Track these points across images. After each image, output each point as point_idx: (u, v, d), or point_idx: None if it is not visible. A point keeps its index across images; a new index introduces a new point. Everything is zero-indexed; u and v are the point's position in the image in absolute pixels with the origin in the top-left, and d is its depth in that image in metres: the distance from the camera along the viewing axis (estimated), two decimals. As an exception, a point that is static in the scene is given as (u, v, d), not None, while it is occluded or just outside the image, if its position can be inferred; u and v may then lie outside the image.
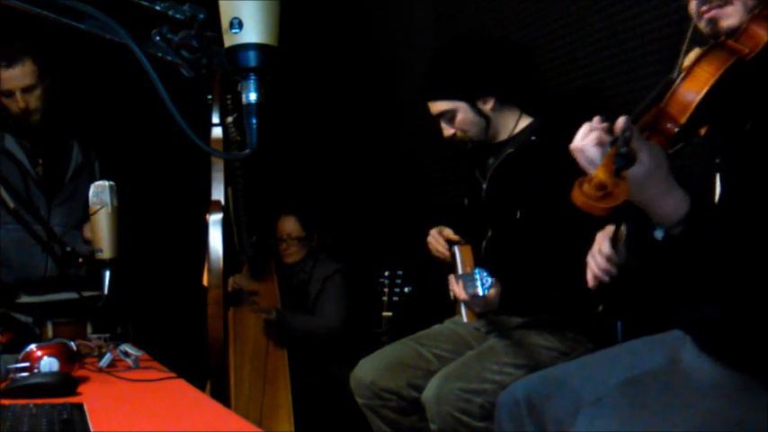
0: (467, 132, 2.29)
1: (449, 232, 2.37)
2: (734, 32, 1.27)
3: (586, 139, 1.18)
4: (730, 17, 1.30)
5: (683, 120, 1.21)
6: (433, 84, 2.31)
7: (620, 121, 1.13)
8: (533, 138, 2.23)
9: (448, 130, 2.31)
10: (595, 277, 1.54)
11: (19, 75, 2.55)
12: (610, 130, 1.17)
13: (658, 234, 1.20)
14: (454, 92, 2.26)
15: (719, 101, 1.23)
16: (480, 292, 2.02)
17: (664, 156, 1.17)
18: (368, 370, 2.28)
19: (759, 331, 1.21)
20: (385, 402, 2.25)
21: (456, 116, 2.27)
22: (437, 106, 2.29)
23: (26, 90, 2.57)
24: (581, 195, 1.09)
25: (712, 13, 1.31)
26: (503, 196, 2.27)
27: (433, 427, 2.03)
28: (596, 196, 1.08)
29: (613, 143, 1.12)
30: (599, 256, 1.54)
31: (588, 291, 1.59)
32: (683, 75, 1.22)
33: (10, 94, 2.56)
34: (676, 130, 1.21)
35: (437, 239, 2.36)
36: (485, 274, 2.03)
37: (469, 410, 1.97)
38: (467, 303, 2.16)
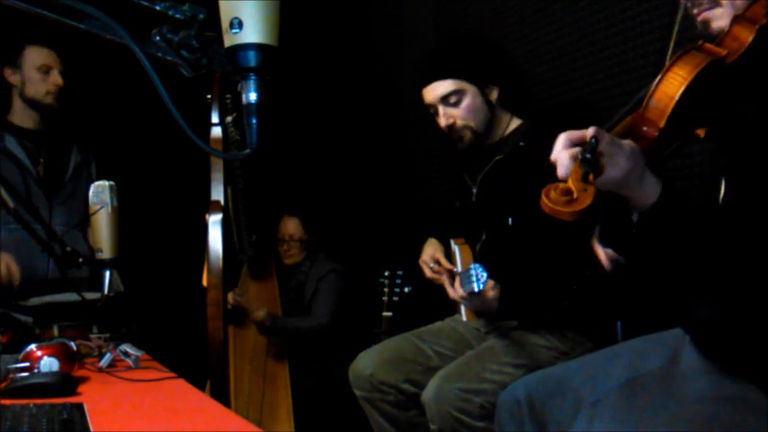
0: (468, 121, 2.22)
1: (440, 256, 2.32)
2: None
3: (562, 152, 1.21)
4: (720, 18, 1.31)
5: (662, 124, 1.22)
6: (443, 61, 2.23)
7: (589, 130, 1.17)
8: (522, 143, 2.21)
9: (447, 118, 2.22)
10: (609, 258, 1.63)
11: (56, 58, 2.69)
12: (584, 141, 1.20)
13: (635, 217, 1.23)
14: (465, 71, 2.19)
15: (702, 103, 1.24)
16: (476, 288, 1.98)
17: (639, 155, 1.20)
18: (367, 363, 2.27)
19: (756, 334, 1.21)
20: (383, 396, 2.24)
21: (463, 99, 2.19)
22: (443, 87, 2.20)
23: (61, 72, 2.69)
24: (548, 202, 1.14)
25: (703, 15, 1.34)
26: (493, 202, 2.25)
27: (432, 426, 2.03)
28: (562, 201, 1.13)
29: (582, 151, 1.15)
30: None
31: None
32: (658, 79, 1.23)
33: (48, 70, 2.65)
34: (656, 134, 1.23)
35: (430, 270, 2.32)
36: (480, 269, 1.97)
37: (469, 410, 1.97)
38: (465, 305, 2.15)
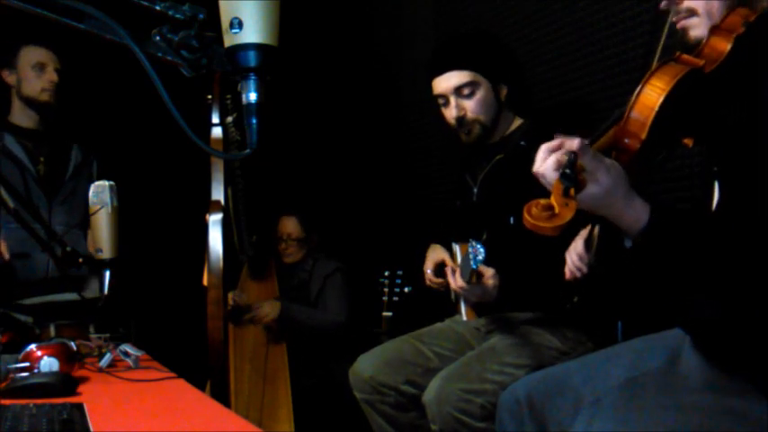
0: (478, 115, 2.23)
1: (445, 256, 2.31)
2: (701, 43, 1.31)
3: (545, 164, 1.22)
4: (697, 28, 1.34)
5: (644, 136, 1.23)
6: (462, 53, 2.24)
7: (574, 143, 1.18)
8: (523, 143, 2.22)
9: (459, 110, 2.23)
10: (570, 272, 1.74)
11: (51, 56, 2.71)
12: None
13: (627, 243, 1.24)
14: (482, 66, 2.22)
15: (683, 113, 1.25)
16: (473, 264, 1.96)
17: (622, 174, 1.21)
18: (367, 365, 2.27)
19: (755, 334, 1.21)
20: (383, 398, 2.24)
21: (476, 92, 2.21)
22: (460, 77, 2.21)
23: (56, 70, 2.70)
24: (530, 218, 1.15)
25: (681, 23, 1.36)
26: (494, 201, 2.25)
27: (434, 427, 2.02)
28: (543, 217, 1.14)
29: (562, 166, 1.16)
30: (574, 254, 1.72)
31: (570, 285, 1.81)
32: (637, 91, 1.24)
33: (43, 67, 2.67)
34: (639, 146, 1.23)
35: (432, 278, 2.32)
36: (478, 246, 1.95)
37: (470, 411, 1.96)
38: (465, 296, 2.12)
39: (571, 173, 1.14)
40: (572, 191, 1.14)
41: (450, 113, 2.25)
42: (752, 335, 1.22)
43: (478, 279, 2.05)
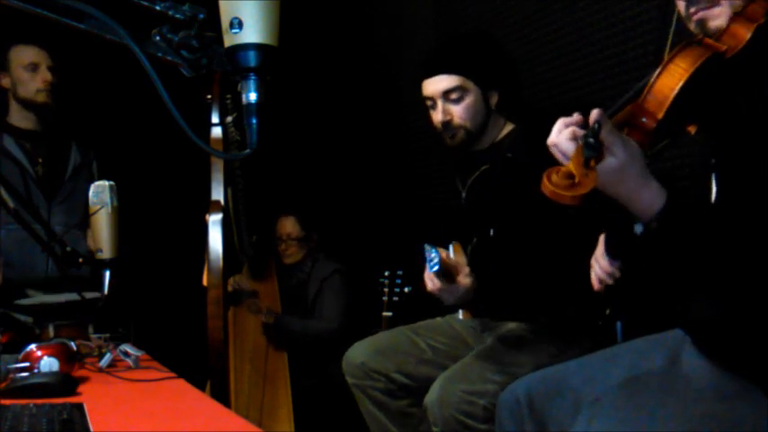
0: (465, 121, 2.18)
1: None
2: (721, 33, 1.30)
3: (561, 135, 1.20)
4: (718, 18, 1.31)
5: (661, 115, 1.22)
6: (453, 56, 2.21)
7: (592, 113, 1.16)
8: (510, 155, 2.18)
9: (445, 114, 2.18)
10: (600, 281, 1.63)
11: (43, 54, 2.66)
12: (585, 125, 1.18)
13: (637, 229, 1.21)
14: (473, 71, 2.18)
15: (700, 97, 1.24)
16: (429, 267, 1.93)
17: (638, 151, 1.19)
18: (360, 351, 2.29)
19: (755, 333, 1.21)
20: (374, 383, 2.25)
21: (465, 98, 2.16)
22: (448, 81, 2.17)
23: (50, 68, 2.66)
24: (549, 185, 1.11)
25: (700, 14, 1.33)
26: (480, 208, 2.24)
27: (435, 429, 2.02)
28: (564, 185, 1.11)
29: (585, 135, 1.14)
30: (602, 260, 1.59)
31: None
32: (658, 70, 1.23)
33: (36, 67, 2.63)
34: (654, 125, 1.22)
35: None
36: (433, 252, 1.92)
37: (473, 413, 1.96)
38: (443, 297, 2.08)
39: (595, 142, 1.10)
40: (593, 162, 1.11)
41: (437, 117, 2.22)
42: (752, 335, 1.22)
43: (453, 279, 2.00)
